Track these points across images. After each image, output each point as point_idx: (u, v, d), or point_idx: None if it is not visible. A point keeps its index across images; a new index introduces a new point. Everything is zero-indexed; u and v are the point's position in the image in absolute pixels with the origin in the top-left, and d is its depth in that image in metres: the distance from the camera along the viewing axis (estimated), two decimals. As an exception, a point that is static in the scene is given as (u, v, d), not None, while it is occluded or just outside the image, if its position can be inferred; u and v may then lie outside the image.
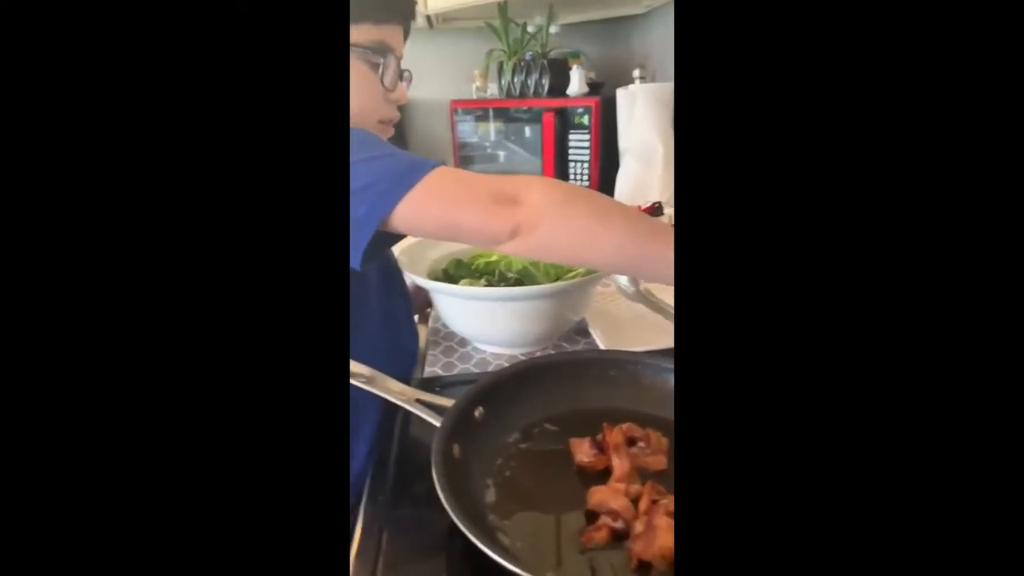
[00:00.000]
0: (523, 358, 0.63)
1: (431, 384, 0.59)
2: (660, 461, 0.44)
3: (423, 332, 0.76)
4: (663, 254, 0.42)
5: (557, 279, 0.67)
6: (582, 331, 0.69)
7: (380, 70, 0.55)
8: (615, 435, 0.44)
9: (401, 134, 1.67)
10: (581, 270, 0.68)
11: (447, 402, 0.46)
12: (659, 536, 0.36)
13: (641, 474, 0.42)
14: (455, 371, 0.62)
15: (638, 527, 0.38)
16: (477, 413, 0.46)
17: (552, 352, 0.64)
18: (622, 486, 0.40)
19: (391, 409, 0.52)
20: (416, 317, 0.90)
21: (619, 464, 0.42)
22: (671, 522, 0.37)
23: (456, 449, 0.41)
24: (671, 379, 0.50)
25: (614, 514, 0.38)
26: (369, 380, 0.46)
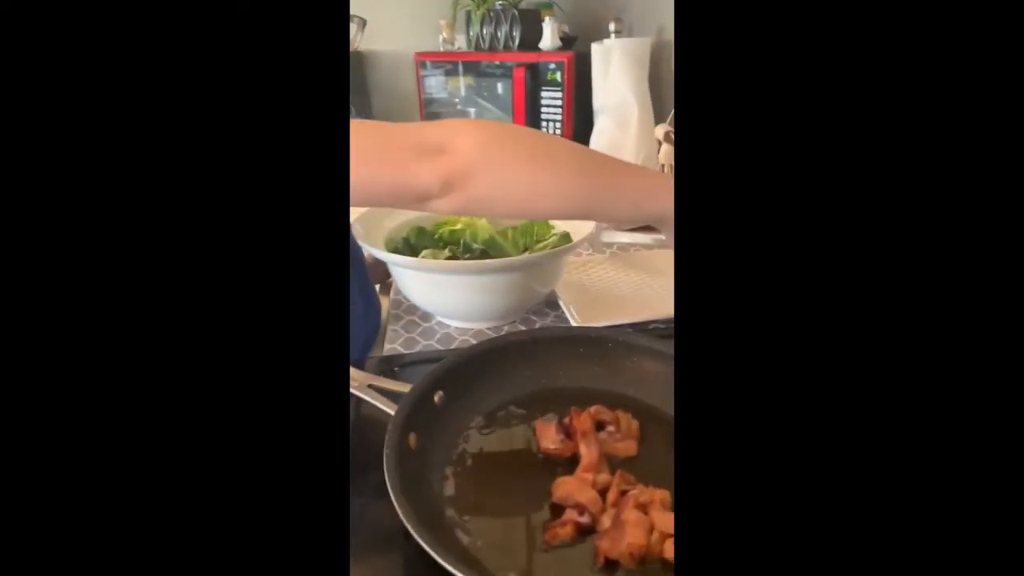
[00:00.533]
0: (490, 333, 0.60)
1: (391, 363, 0.56)
2: (630, 447, 0.42)
3: (384, 304, 0.71)
4: (619, 190, 0.37)
5: (526, 249, 0.63)
6: (552, 303, 0.66)
7: None
8: (583, 420, 0.41)
9: (363, 88, 1.57)
10: (551, 240, 0.64)
11: (403, 387, 0.42)
12: (628, 532, 0.33)
13: (610, 462, 0.40)
14: (417, 348, 0.59)
15: (605, 522, 0.35)
16: (436, 397, 0.42)
17: (521, 327, 0.61)
18: (589, 476, 0.38)
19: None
20: (377, 287, 0.86)
21: (587, 453, 0.39)
22: (640, 516, 0.35)
23: (412, 439, 0.38)
24: (644, 357, 0.48)
25: (580, 508, 0.36)
26: None
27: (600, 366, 0.48)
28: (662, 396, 0.46)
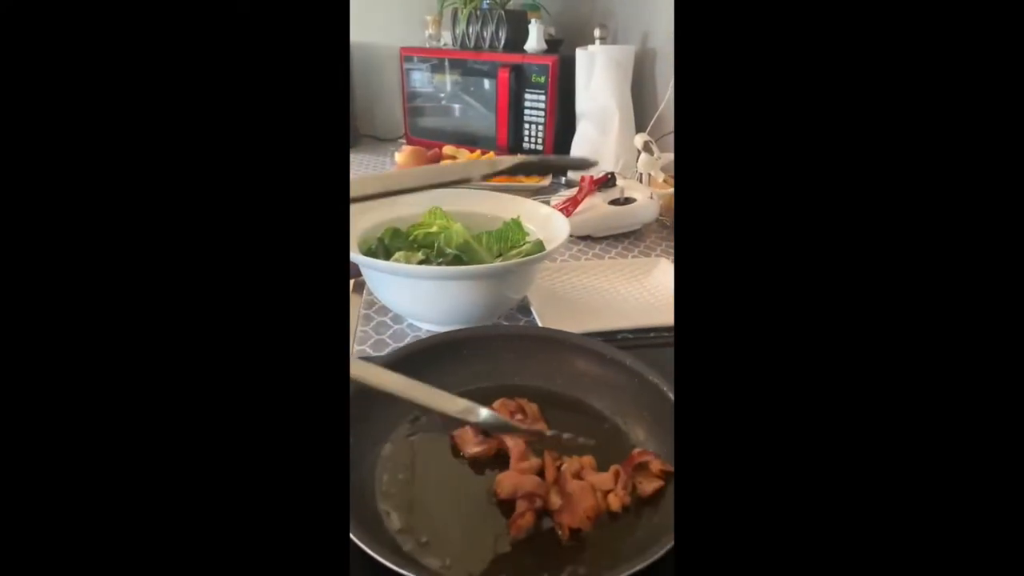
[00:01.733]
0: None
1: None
2: (543, 428, 0.43)
3: (355, 303, 0.71)
4: None
5: (500, 255, 0.63)
6: (524, 308, 0.66)
7: None
8: (503, 415, 0.43)
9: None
10: (525, 247, 0.65)
11: None
12: (579, 501, 0.37)
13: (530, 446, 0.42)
14: (386, 350, 0.59)
15: (555, 500, 0.37)
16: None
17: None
18: (526, 464, 0.40)
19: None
20: (351, 283, 0.85)
21: (514, 444, 0.41)
22: (583, 484, 0.38)
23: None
24: (517, 345, 0.50)
25: (531, 496, 0.37)
26: None
27: (485, 362, 0.50)
28: (561, 382, 0.49)
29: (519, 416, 0.44)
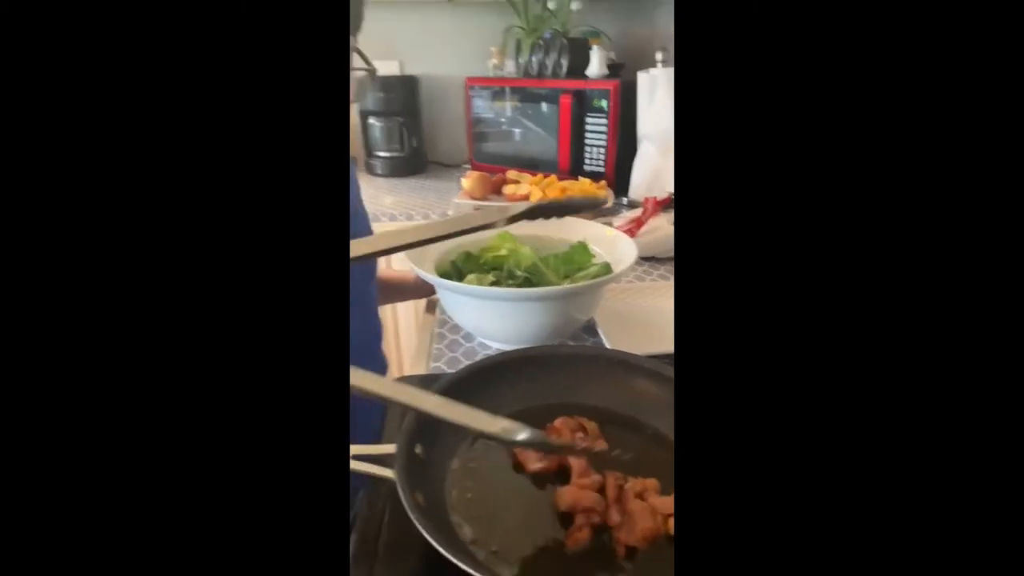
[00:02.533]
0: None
1: (430, 382, 0.59)
2: (600, 445, 0.44)
3: (429, 322, 0.75)
4: None
5: (567, 278, 0.65)
6: (590, 329, 0.68)
7: None
8: (563, 433, 0.45)
9: (414, 109, 1.64)
10: (592, 269, 0.66)
11: (387, 448, 0.42)
12: (638, 520, 0.38)
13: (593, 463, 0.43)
14: (459, 367, 0.62)
15: (614, 516, 0.39)
16: (418, 450, 0.43)
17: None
18: (587, 481, 0.41)
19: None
20: (424, 303, 0.90)
21: (576, 462, 0.42)
22: (644, 504, 0.39)
23: (420, 497, 0.39)
24: (580, 365, 0.52)
25: (590, 511, 0.39)
26: None
27: (539, 381, 0.51)
28: (622, 402, 0.50)
29: (579, 434, 0.45)
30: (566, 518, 0.39)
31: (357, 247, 0.43)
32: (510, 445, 0.42)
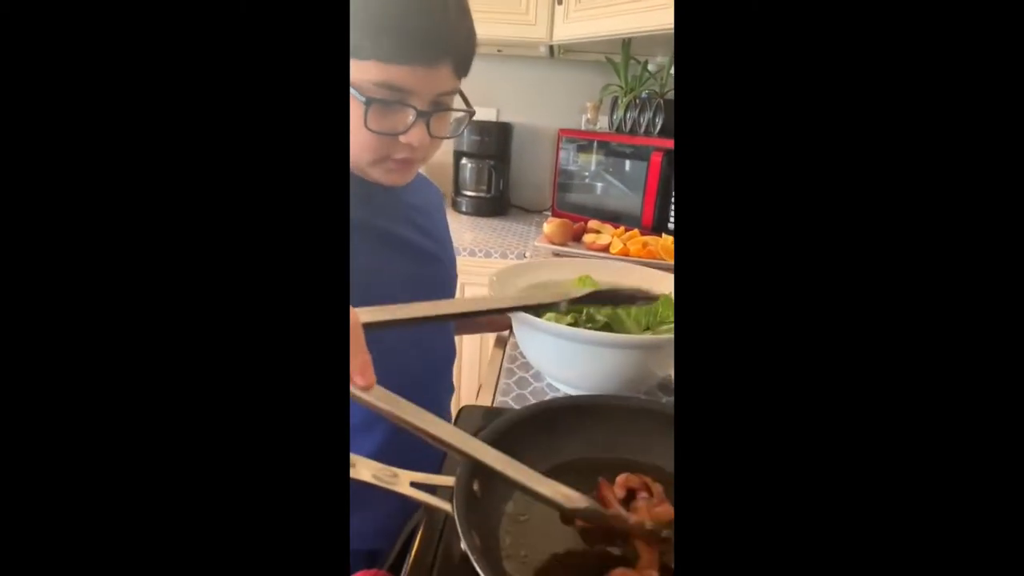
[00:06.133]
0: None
1: (495, 415, 0.58)
2: (668, 511, 0.39)
3: (497, 358, 0.74)
4: None
5: (647, 329, 0.63)
6: (666, 387, 0.65)
7: (365, 111, 0.50)
8: (622, 491, 0.41)
9: (505, 154, 1.70)
10: (672, 322, 0.64)
11: (445, 480, 0.40)
12: None
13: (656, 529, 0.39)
14: (525, 404, 0.60)
15: None
16: (475, 487, 0.41)
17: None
18: (652, 573, 0.37)
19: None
20: (494, 337, 0.90)
21: (646, 552, 0.38)
22: None
23: (476, 538, 0.36)
24: (648, 423, 0.48)
25: None
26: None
27: (599, 431, 0.48)
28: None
29: (643, 493, 0.41)
30: None
31: (422, 309, 0.47)
32: (566, 513, 0.40)
